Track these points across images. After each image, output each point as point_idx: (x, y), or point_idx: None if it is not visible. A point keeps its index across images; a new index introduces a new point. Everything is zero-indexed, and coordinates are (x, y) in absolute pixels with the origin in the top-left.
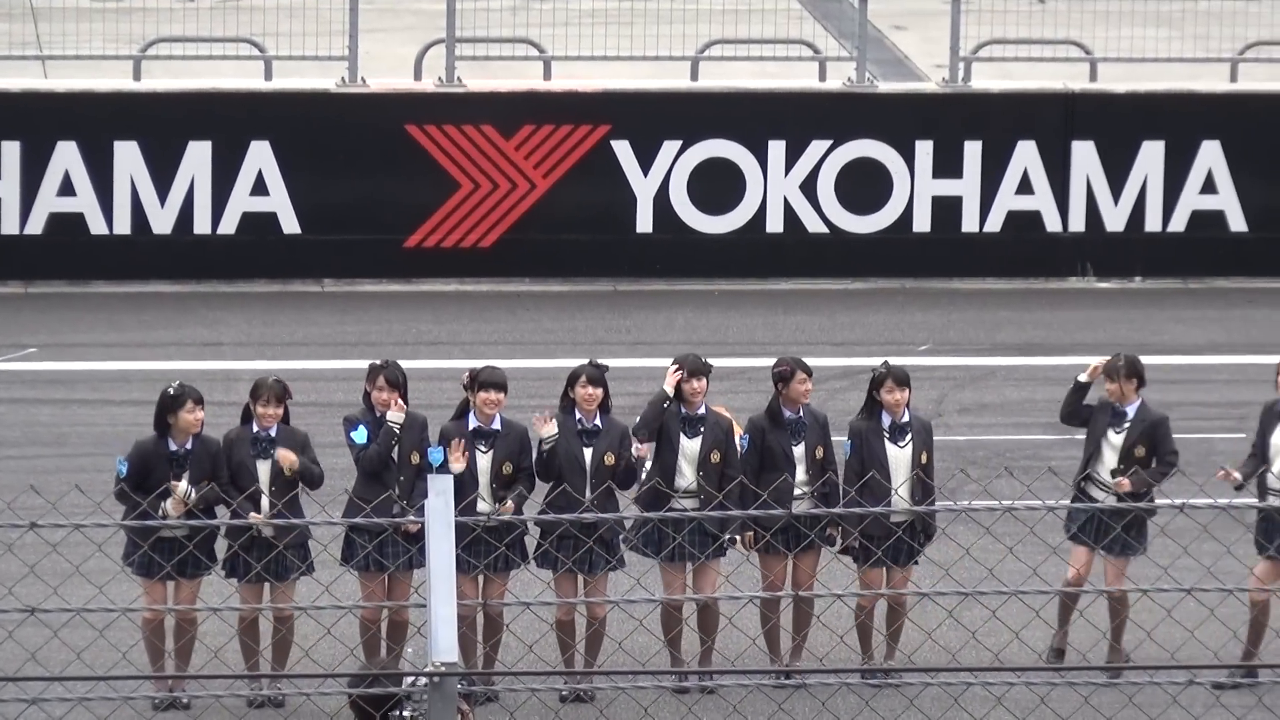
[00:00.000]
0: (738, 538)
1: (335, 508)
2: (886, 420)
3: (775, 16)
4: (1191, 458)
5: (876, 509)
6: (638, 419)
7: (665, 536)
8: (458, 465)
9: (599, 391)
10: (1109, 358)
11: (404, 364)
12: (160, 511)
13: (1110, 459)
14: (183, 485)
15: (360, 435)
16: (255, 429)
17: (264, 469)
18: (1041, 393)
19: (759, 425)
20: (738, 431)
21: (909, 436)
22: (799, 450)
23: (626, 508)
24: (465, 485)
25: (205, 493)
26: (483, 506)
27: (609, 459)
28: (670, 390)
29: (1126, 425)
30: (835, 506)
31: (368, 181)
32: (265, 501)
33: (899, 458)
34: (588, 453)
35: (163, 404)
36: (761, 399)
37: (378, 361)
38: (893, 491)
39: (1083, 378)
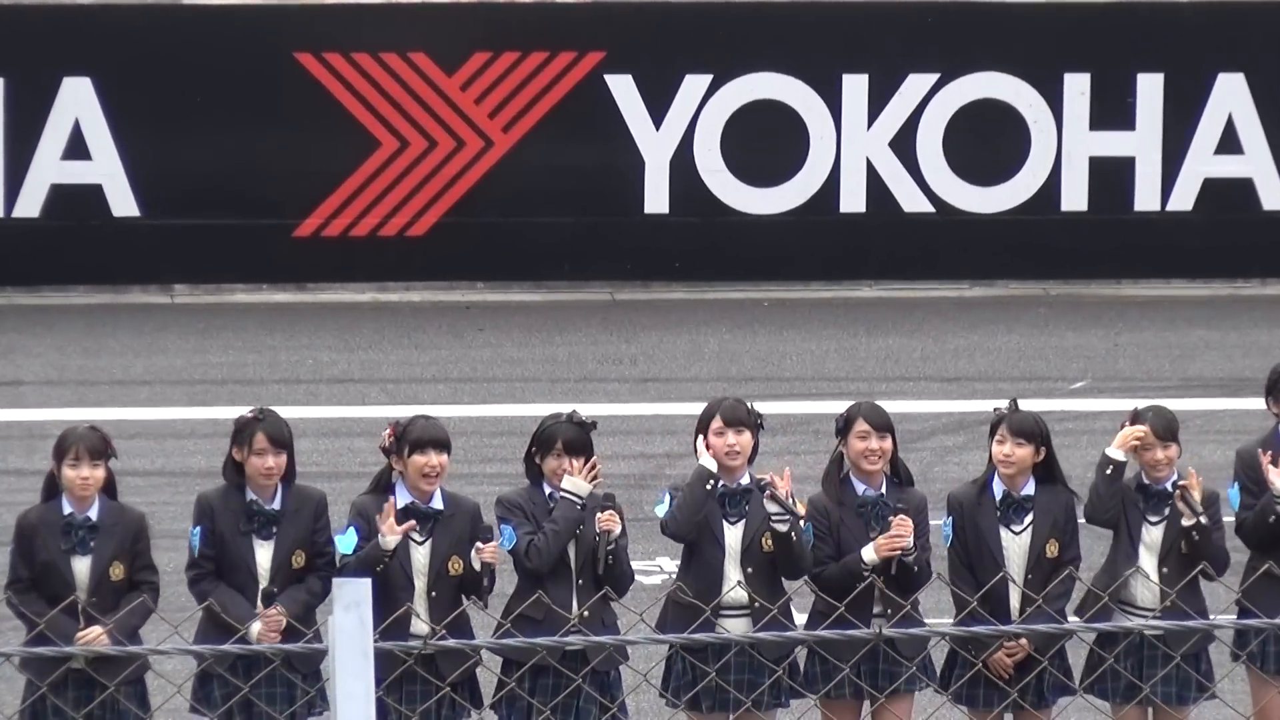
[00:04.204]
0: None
1: (189, 626)
2: (1000, 491)
3: None
4: None
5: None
6: (667, 507)
7: (700, 676)
8: (393, 537)
9: (580, 462)
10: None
11: (293, 413)
12: None
13: None
14: None
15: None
16: (67, 508)
17: (81, 567)
18: None
19: (822, 507)
20: (801, 511)
21: (1029, 518)
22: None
23: (633, 625)
24: (393, 591)
25: None
26: (418, 625)
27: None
28: (713, 464)
29: None
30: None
31: (239, 138)
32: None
33: (1014, 547)
34: (571, 545)
35: None
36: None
37: (250, 412)
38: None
39: (1115, 452)
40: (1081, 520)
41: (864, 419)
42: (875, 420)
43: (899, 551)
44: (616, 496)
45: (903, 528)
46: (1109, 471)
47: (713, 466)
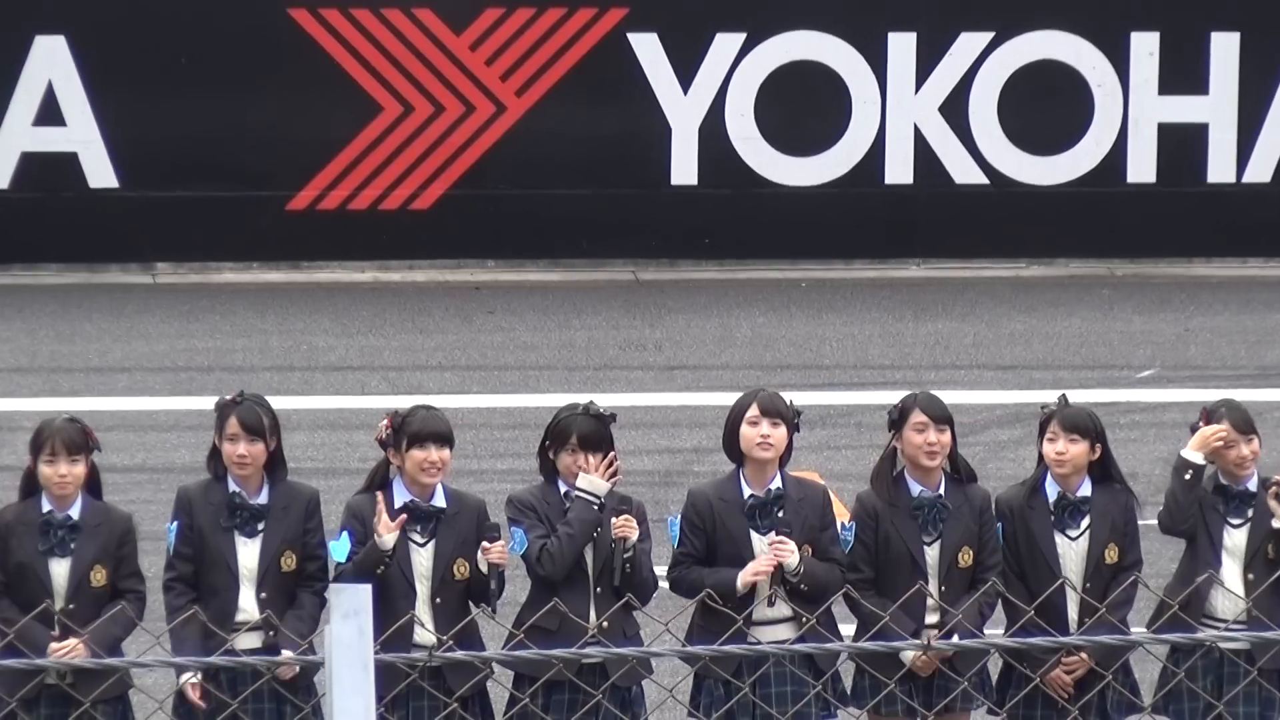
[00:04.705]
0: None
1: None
2: (1053, 492)
3: None
4: None
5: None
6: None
7: (735, 691)
8: (390, 535)
9: (598, 458)
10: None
11: (286, 403)
12: None
13: None
14: None
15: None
16: (46, 506)
17: (60, 570)
18: None
19: (871, 508)
20: (841, 514)
21: (1085, 521)
22: (932, 551)
23: (658, 636)
24: (393, 597)
25: None
26: (422, 635)
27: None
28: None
29: None
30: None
31: (228, 103)
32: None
33: (1071, 554)
34: (588, 549)
35: None
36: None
37: (229, 396)
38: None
39: (1194, 455)
40: (1143, 522)
41: (921, 410)
42: (933, 411)
43: (930, 669)
44: (639, 495)
45: (934, 655)
46: (1188, 476)
47: (764, 569)
